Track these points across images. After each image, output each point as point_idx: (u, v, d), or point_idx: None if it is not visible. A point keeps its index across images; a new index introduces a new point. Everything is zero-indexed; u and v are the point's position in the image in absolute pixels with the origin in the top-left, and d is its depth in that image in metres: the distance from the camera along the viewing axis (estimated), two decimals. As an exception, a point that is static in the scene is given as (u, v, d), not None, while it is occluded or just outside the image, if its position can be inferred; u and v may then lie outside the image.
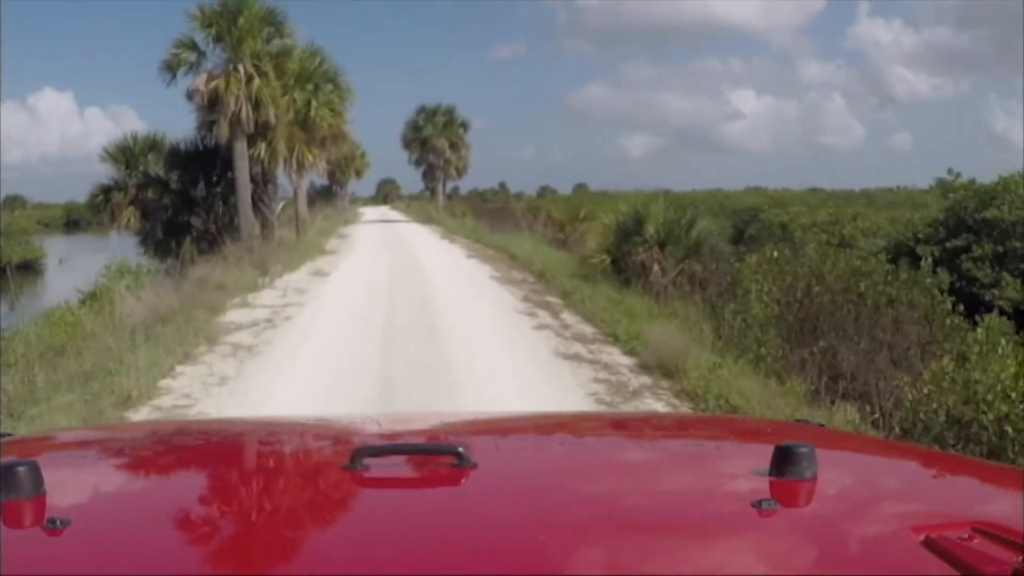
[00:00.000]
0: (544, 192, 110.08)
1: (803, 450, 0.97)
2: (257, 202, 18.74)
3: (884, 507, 1.00)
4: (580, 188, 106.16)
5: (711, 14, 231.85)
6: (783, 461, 0.98)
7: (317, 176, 19.39)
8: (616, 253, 14.30)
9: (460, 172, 43.17)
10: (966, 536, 0.83)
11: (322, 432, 1.50)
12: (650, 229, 14.14)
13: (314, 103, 18.14)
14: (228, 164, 18.00)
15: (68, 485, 1.03)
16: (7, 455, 1.07)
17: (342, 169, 62.32)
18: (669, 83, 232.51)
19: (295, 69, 18.22)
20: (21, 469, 0.90)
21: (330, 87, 19.81)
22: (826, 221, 30.65)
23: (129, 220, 20.21)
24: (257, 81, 17.12)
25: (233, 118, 16.99)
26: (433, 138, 41.19)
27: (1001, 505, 1.03)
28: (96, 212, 22.11)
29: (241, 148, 17.24)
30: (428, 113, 41.90)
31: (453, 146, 41.64)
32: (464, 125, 42.79)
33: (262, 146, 17.50)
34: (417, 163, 42.94)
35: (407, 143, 42.51)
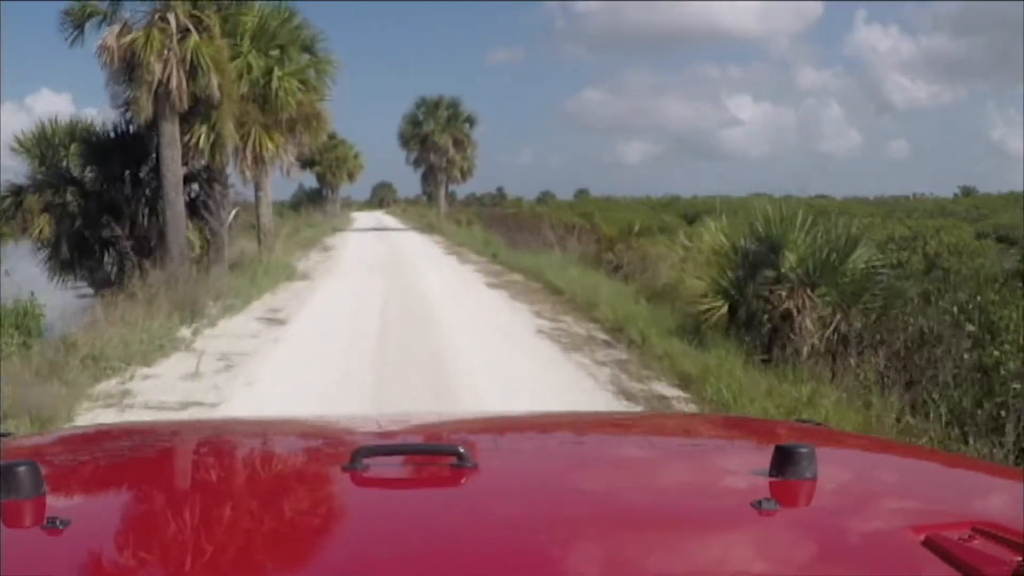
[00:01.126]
0: (545, 197, 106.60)
1: (803, 450, 0.97)
2: (200, 208, 13.58)
3: (884, 507, 1.00)
4: (582, 194, 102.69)
5: (709, 21, 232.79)
6: (783, 461, 0.97)
7: (282, 172, 14.08)
8: (737, 295, 9.21)
9: (464, 174, 37.81)
10: (966, 536, 0.82)
11: (322, 432, 1.50)
12: (791, 259, 9.08)
13: (277, 72, 12.94)
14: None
15: (68, 485, 1.04)
16: (7, 455, 1.06)
17: (333, 171, 57.24)
18: (667, 89, 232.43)
19: (251, 25, 13.03)
20: (21, 469, 0.89)
21: (306, 57, 14.65)
22: (906, 236, 25.90)
23: (42, 229, 15.00)
24: (194, 37, 11.93)
25: (159, 89, 11.80)
26: (435, 134, 35.77)
27: (1001, 505, 1.02)
28: (5, 219, 16.98)
29: (171, 132, 12.05)
30: (429, 106, 36.49)
31: (457, 144, 36.23)
32: (470, 120, 37.40)
33: (201, 130, 12.31)
34: (416, 163, 37.57)
35: (405, 140, 37.08)
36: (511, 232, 26.85)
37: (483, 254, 20.08)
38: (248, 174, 12.91)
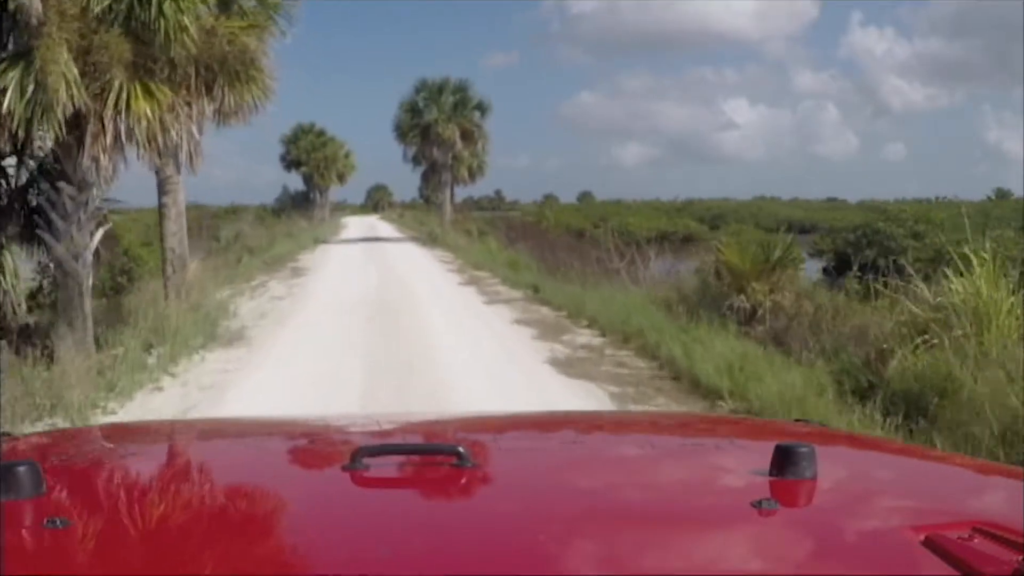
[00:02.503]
0: (548, 200, 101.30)
1: (803, 450, 0.96)
2: (34, 225, 7.57)
3: (884, 507, 1.00)
4: (586, 196, 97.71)
5: (705, 23, 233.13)
6: (783, 461, 0.96)
7: (181, 161, 7.86)
8: None
9: (473, 173, 31.10)
10: (966, 536, 0.82)
11: (322, 432, 1.49)
12: None
13: (163, -26, 6.87)
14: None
15: (68, 485, 1.04)
16: (7, 455, 1.07)
17: (321, 172, 51.04)
18: (663, 92, 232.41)
19: None
20: (21, 469, 0.89)
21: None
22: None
23: None
24: None
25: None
26: (438, 125, 28.72)
27: (1001, 505, 1.01)
28: None
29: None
30: (431, 91, 29.36)
31: (466, 136, 29.11)
32: (481, 107, 30.09)
33: (9, 77, 6.32)
34: (415, 160, 30.81)
35: (402, 132, 29.93)
36: (541, 248, 20.86)
37: (515, 285, 14.03)
38: (104, 159, 6.81)
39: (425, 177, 30.88)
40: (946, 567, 0.76)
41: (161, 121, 6.75)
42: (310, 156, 49.62)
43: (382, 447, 1.14)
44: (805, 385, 6.22)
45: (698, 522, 0.92)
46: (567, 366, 7.57)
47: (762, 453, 0.99)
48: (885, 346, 6.85)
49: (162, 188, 9.23)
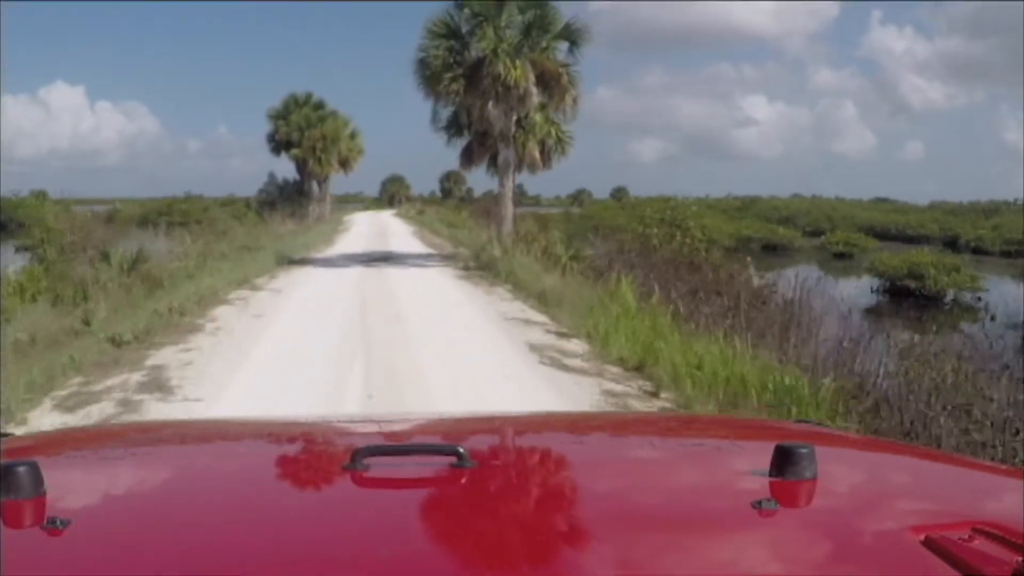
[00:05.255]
0: (579, 197, 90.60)
1: (803, 450, 0.96)
2: None
3: (884, 507, 0.99)
4: (620, 192, 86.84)
5: (724, 20, 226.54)
6: (783, 461, 0.96)
7: None
8: None
9: (549, 152, 17.10)
10: (966, 536, 0.82)
11: (322, 432, 1.49)
12: None
13: None
14: None
15: (68, 485, 1.03)
16: (7, 455, 1.05)
17: (318, 155, 39.21)
18: (680, 89, 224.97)
19: None
20: (21, 469, 0.88)
21: None
22: None
23: None
24: None
25: None
26: (497, 61, 15.60)
27: (1001, 505, 1.01)
28: None
29: None
30: (484, 4, 16.04)
31: (546, 82, 15.84)
32: (570, 35, 16.57)
33: None
34: (453, 126, 17.59)
35: (432, 75, 16.31)
36: (753, 316, 9.02)
37: None
38: None
39: (467, 154, 18.12)
40: (946, 567, 0.75)
41: None
42: (304, 135, 37.89)
43: (382, 447, 1.12)
44: None
45: (698, 522, 0.92)
46: None
47: (762, 453, 0.98)
48: None
49: None
